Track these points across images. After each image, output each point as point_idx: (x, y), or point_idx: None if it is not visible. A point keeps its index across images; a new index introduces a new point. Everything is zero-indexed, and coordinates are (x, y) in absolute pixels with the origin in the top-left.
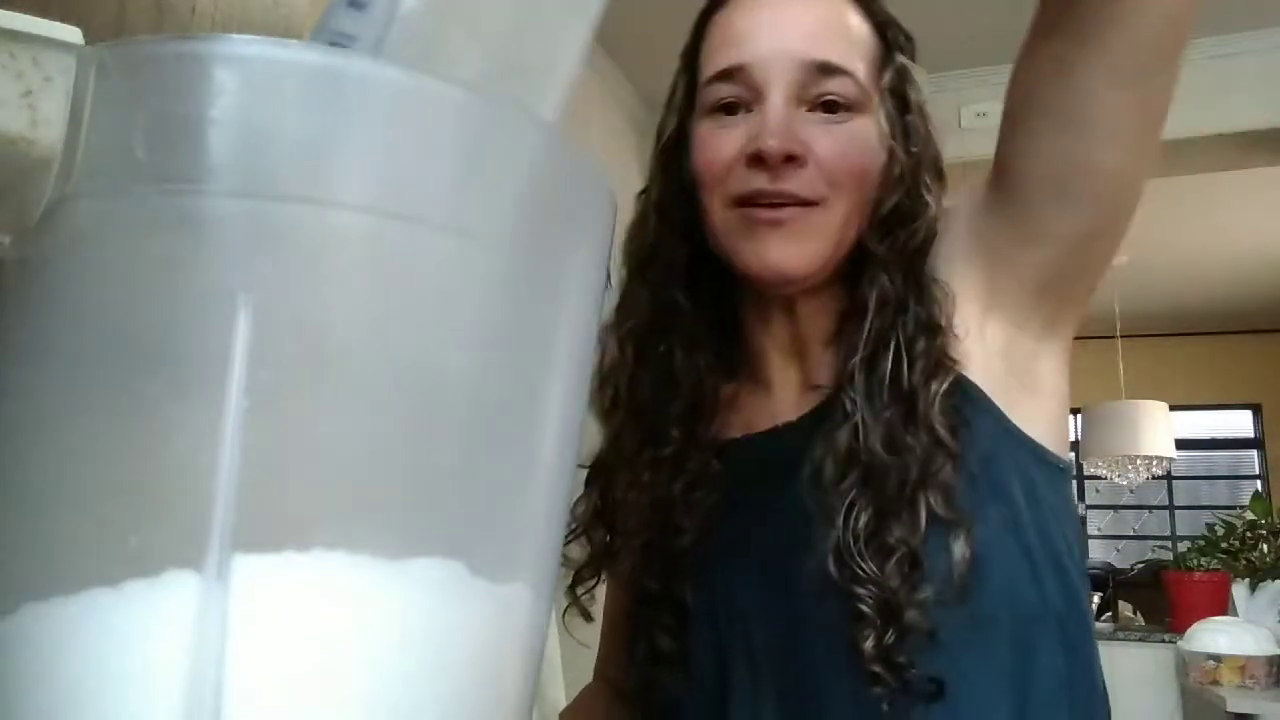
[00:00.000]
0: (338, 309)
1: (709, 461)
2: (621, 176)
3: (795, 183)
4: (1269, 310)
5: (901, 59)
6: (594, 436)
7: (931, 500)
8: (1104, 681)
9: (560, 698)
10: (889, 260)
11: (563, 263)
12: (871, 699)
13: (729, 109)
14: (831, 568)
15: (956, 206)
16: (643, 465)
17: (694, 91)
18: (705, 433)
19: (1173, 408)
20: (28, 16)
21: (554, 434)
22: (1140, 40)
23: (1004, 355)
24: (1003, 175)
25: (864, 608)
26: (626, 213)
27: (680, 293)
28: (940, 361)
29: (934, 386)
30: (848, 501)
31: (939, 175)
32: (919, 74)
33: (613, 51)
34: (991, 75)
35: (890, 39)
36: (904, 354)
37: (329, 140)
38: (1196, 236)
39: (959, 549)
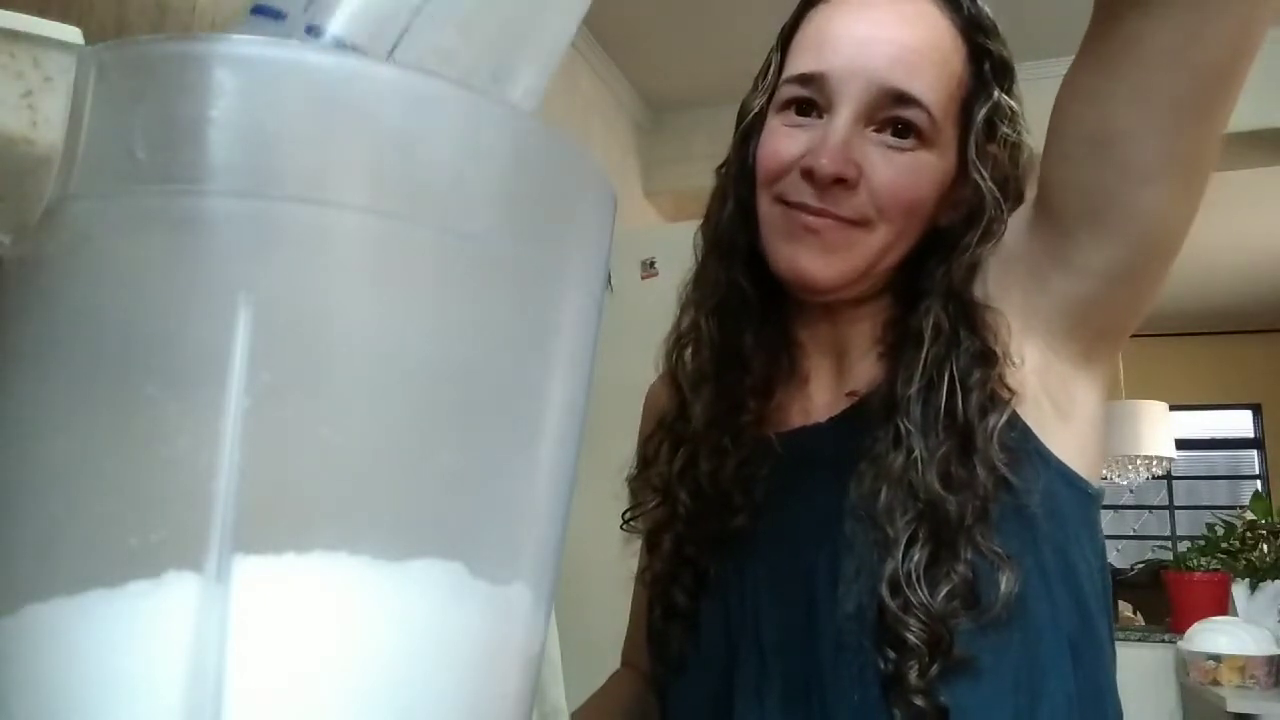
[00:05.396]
0: (338, 309)
1: (768, 443)
2: (621, 176)
3: (841, 204)
4: (1269, 310)
5: (997, 92)
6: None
7: (984, 536)
8: (1118, 712)
9: (560, 698)
10: (946, 290)
11: (563, 263)
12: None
13: (802, 109)
14: (885, 594)
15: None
16: (717, 436)
17: (779, 76)
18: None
19: (1173, 408)
20: (28, 16)
21: (554, 434)
22: (1176, 87)
23: (1038, 375)
24: (1044, 198)
25: (911, 636)
26: (627, 213)
27: (744, 276)
28: (995, 393)
29: (991, 421)
30: (908, 536)
31: (1018, 201)
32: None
33: (613, 51)
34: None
35: (988, 71)
36: (959, 386)
37: (329, 140)
38: (1196, 236)
39: (1006, 582)
